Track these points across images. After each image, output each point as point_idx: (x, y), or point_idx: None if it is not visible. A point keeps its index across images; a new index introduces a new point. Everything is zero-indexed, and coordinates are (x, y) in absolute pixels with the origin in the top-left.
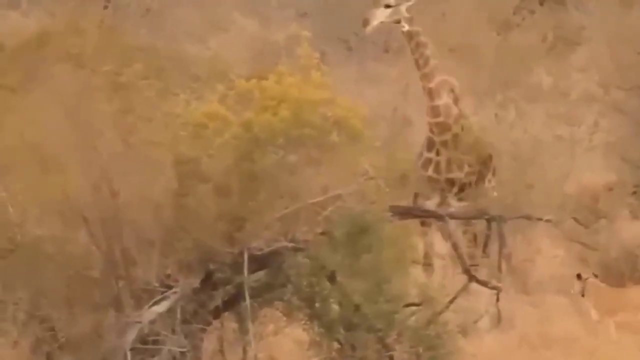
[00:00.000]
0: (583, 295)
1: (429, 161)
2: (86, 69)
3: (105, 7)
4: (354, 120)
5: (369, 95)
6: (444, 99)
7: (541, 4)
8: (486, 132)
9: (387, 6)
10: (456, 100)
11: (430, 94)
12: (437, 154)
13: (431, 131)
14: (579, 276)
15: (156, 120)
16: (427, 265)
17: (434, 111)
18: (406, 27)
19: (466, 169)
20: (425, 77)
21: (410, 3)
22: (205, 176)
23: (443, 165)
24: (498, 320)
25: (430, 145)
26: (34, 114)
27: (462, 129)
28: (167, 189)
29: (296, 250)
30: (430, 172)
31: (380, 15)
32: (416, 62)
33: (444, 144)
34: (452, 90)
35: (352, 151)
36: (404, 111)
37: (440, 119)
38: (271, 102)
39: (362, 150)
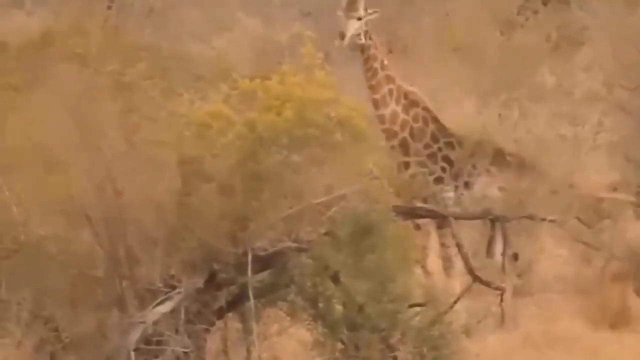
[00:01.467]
0: None
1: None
2: (90, 68)
3: (109, 7)
4: (358, 119)
5: None
6: (391, 107)
7: (545, 3)
8: (490, 131)
9: (359, 19)
10: (411, 106)
11: (376, 104)
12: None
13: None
14: None
15: (160, 120)
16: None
17: (380, 119)
18: (362, 40)
19: (412, 170)
20: (372, 88)
21: (373, 17)
22: (209, 176)
23: (395, 168)
24: (501, 320)
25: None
26: (38, 113)
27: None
28: (171, 188)
29: (300, 250)
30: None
31: (352, 28)
32: (365, 73)
33: (393, 149)
34: (405, 97)
35: (356, 151)
36: None
37: (386, 126)
38: (275, 102)
39: (366, 150)
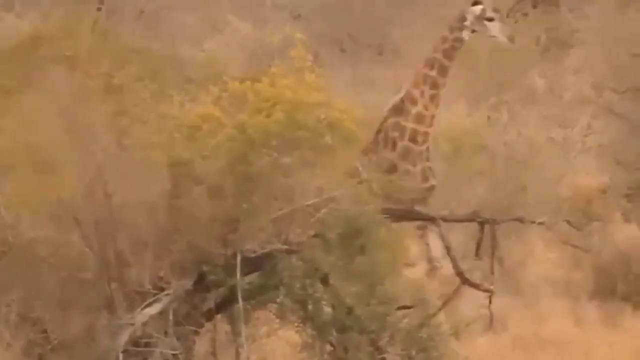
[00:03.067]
0: None
1: None
2: (80, 71)
3: (99, 9)
4: (348, 122)
5: (363, 97)
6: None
7: (534, 6)
8: (480, 134)
9: (490, 19)
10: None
11: (436, 101)
12: None
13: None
14: None
15: (150, 122)
16: (431, 268)
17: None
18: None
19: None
20: (436, 87)
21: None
22: (199, 178)
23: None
24: (490, 322)
25: None
26: (28, 115)
27: None
28: (161, 190)
29: (289, 252)
30: None
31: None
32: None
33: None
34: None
35: (347, 153)
36: None
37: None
38: (265, 104)
39: (356, 152)
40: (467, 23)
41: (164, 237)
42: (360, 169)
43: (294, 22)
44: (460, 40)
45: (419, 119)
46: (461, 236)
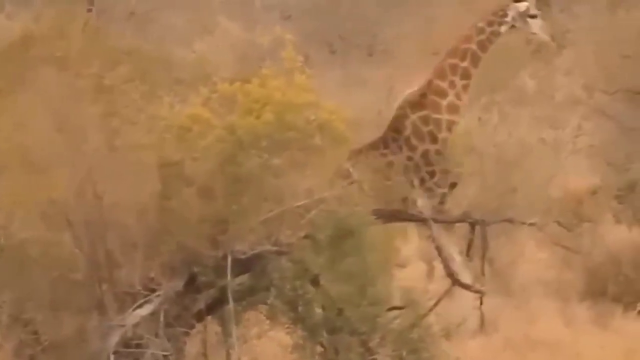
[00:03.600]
0: None
1: None
2: (71, 71)
3: (90, 10)
4: (338, 123)
5: (353, 98)
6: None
7: None
8: (470, 135)
9: (533, 16)
10: None
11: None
12: None
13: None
14: None
15: (140, 123)
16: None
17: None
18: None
19: None
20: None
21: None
22: (189, 179)
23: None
24: (481, 323)
25: None
26: (19, 116)
27: None
28: (151, 191)
29: (280, 253)
30: None
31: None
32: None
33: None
34: None
35: (336, 154)
36: (388, 114)
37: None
38: (255, 105)
39: (346, 153)
40: (508, 18)
41: (154, 238)
42: (350, 170)
43: (284, 23)
44: (498, 34)
45: (453, 109)
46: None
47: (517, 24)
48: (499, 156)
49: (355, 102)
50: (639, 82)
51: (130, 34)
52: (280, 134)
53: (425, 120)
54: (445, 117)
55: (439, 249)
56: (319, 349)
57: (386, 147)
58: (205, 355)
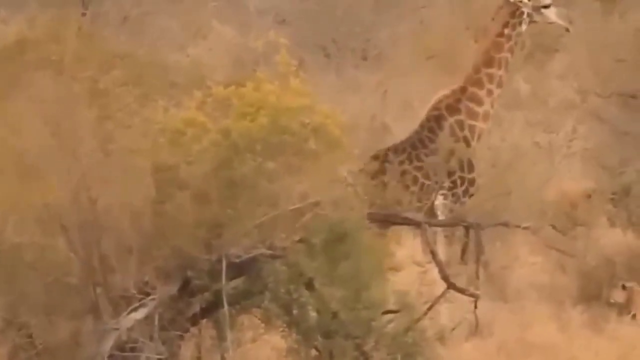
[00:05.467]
0: (628, 305)
1: None
2: (65, 75)
3: (84, 15)
4: (332, 127)
5: (347, 102)
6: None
7: None
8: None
9: (546, 6)
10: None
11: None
12: None
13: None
14: (623, 286)
15: (135, 127)
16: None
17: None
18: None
19: None
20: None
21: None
22: (183, 183)
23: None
24: (476, 327)
25: None
26: (13, 120)
27: None
28: (146, 196)
29: (274, 257)
30: None
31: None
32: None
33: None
34: None
35: (331, 158)
36: (383, 118)
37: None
38: (249, 109)
39: (340, 157)
40: (525, 15)
41: (149, 242)
42: (346, 176)
43: (278, 27)
44: (521, 34)
45: (486, 117)
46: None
47: (535, 18)
48: (493, 160)
49: (350, 105)
50: (633, 86)
51: (124, 38)
52: (275, 138)
53: (461, 125)
54: (479, 124)
55: (433, 253)
56: (313, 352)
57: (424, 146)
58: (199, 358)
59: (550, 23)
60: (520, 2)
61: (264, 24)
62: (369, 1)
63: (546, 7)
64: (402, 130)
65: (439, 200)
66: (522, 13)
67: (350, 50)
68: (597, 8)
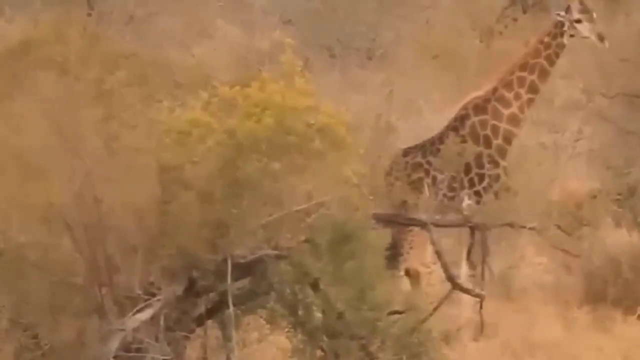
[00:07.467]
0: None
1: None
2: (70, 76)
3: (89, 15)
4: (338, 127)
5: (352, 102)
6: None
7: (524, 11)
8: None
9: (578, 21)
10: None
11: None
12: None
13: None
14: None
15: (140, 127)
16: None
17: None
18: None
19: None
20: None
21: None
22: (188, 183)
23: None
24: (481, 328)
25: None
26: (18, 120)
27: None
28: (151, 196)
29: (279, 257)
30: None
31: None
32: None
33: None
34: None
35: (336, 158)
36: (388, 118)
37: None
38: (255, 109)
39: (345, 157)
40: (566, 28)
41: (154, 242)
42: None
43: (283, 27)
44: (562, 46)
45: (514, 120)
46: (452, 241)
47: (572, 32)
48: None
49: (355, 105)
50: (638, 86)
51: (129, 38)
52: (280, 138)
53: (484, 124)
54: (504, 126)
55: (438, 254)
56: (319, 353)
57: (442, 142)
58: (205, 359)
59: (585, 37)
60: (558, 14)
61: (270, 24)
62: (374, 1)
63: (578, 21)
64: (407, 129)
65: (465, 202)
66: (563, 24)
67: (355, 50)
68: (602, 8)
